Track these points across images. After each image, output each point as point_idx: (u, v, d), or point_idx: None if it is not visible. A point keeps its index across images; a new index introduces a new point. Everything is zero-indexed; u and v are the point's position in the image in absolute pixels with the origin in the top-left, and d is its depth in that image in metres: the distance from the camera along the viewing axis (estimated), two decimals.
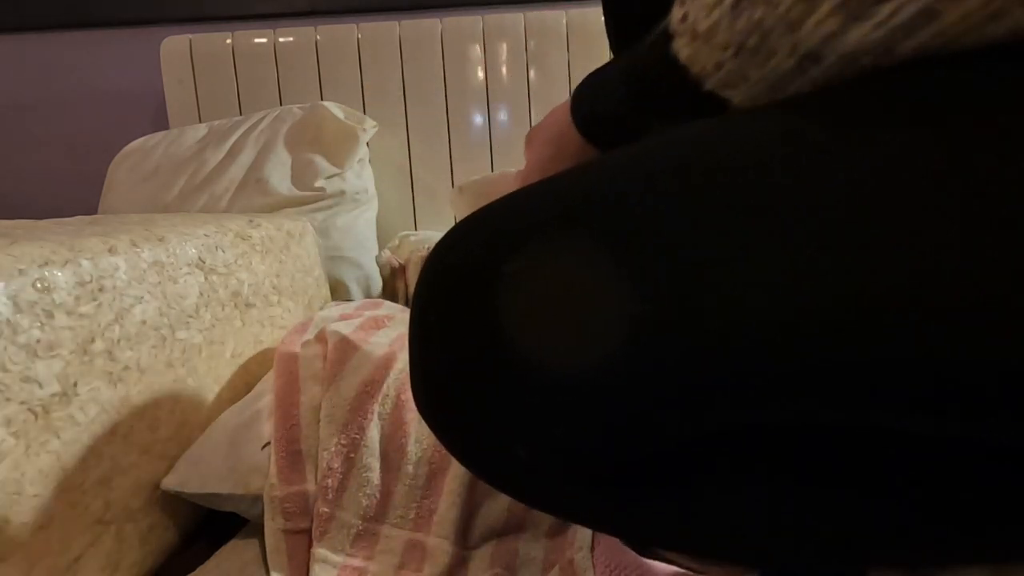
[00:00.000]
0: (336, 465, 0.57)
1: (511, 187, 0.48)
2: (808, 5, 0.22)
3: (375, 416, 0.59)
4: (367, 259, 1.19)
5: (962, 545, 0.25)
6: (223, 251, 0.71)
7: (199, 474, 0.59)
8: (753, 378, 0.21)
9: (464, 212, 0.56)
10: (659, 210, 0.23)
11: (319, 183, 1.13)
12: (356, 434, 0.58)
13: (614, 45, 0.49)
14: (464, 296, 0.26)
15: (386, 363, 0.63)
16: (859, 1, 0.21)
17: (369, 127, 1.21)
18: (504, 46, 1.26)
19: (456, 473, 0.56)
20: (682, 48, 0.28)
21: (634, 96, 0.33)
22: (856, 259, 0.20)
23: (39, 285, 0.47)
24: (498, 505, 0.57)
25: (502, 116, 1.29)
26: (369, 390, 0.60)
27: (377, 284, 1.19)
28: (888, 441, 0.24)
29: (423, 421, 0.59)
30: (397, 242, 1.14)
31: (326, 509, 0.56)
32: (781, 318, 0.20)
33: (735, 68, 0.26)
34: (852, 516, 0.25)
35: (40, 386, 0.47)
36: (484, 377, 0.26)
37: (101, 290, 0.52)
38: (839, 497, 0.25)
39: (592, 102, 0.38)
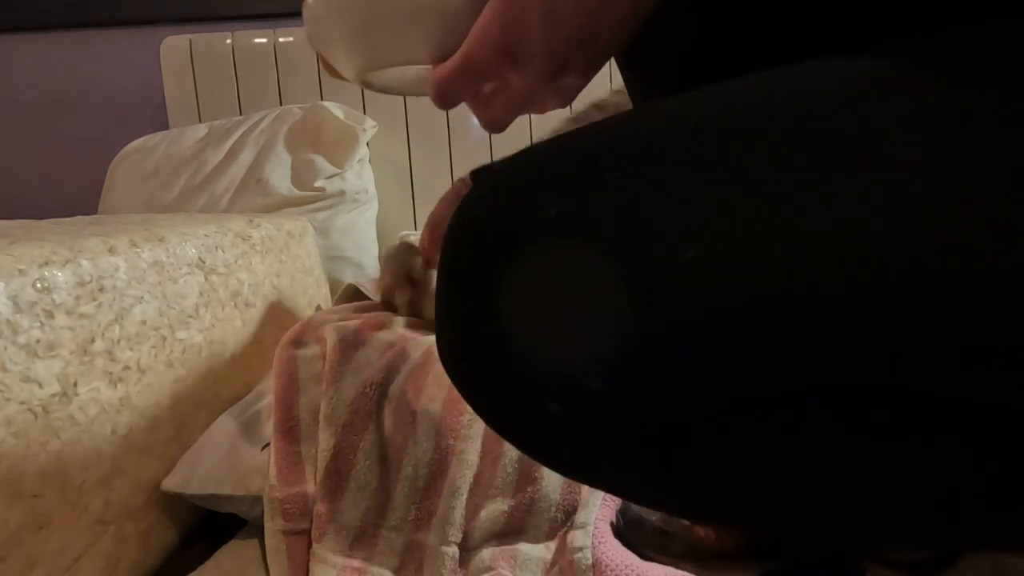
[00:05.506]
0: (336, 466, 0.57)
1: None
2: None
3: (375, 417, 0.59)
4: (367, 259, 1.19)
5: (984, 528, 0.25)
6: (223, 251, 0.71)
7: (199, 475, 0.59)
8: (795, 334, 0.22)
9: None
10: (698, 159, 0.23)
11: (319, 183, 1.13)
12: (356, 435, 0.58)
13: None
14: (500, 242, 0.25)
15: (386, 363, 0.63)
16: None
17: (369, 127, 1.21)
18: None
19: (456, 475, 0.56)
20: None
21: None
22: (893, 213, 0.20)
23: (39, 285, 0.47)
24: (498, 507, 0.57)
25: None
26: (369, 390, 0.60)
27: None
28: (917, 410, 0.24)
29: (423, 422, 0.59)
30: (397, 243, 1.14)
31: (326, 510, 0.56)
32: (826, 268, 0.21)
33: None
34: (878, 487, 0.25)
35: (40, 386, 0.47)
36: (516, 327, 0.25)
37: (101, 290, 0.52)
38: (868, 465, 0.25)
39: None
